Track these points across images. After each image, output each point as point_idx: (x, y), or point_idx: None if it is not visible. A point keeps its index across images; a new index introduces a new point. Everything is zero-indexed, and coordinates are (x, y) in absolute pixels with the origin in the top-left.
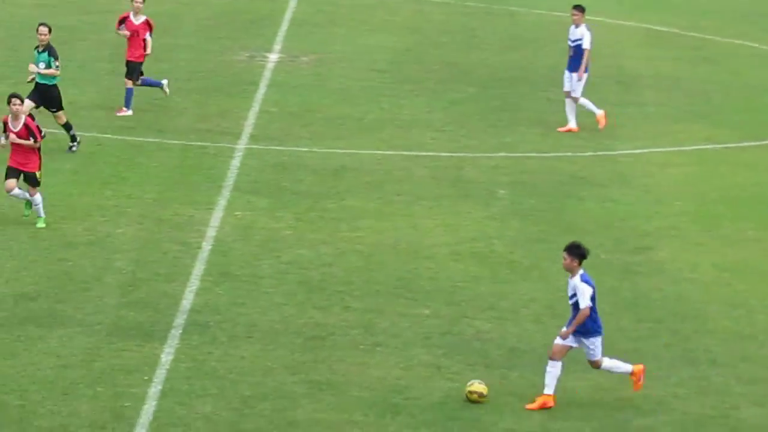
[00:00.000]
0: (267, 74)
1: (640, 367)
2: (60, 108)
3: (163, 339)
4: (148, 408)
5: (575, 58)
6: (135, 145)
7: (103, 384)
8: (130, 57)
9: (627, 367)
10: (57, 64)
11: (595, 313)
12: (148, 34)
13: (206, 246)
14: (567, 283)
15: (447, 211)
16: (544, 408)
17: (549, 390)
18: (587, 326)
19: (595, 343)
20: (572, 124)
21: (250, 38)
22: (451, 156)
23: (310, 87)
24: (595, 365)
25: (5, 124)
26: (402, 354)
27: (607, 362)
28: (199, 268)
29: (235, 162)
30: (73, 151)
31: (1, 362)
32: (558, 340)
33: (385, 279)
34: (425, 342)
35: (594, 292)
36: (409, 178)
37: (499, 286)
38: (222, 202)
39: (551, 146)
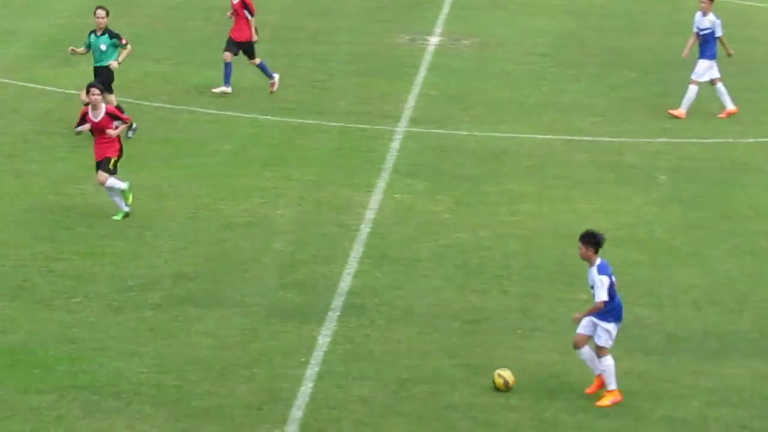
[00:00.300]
0: (427, 57)
1: (617, 395)
2: (110, 91)
3: (320, 321)
4: (305, 390)
5: (705, 45)
6: (295, 126)
7: (260, 365)
8: (238, 37)
9: (612, 383)
10: (124, 42)
11: (614, 300)
12: (246, 11)
13: (365, 228)
14: (587, 273)
15: (606, 196)
16: (615, 402)
17: (612, 386)
18: (606, 311)
19: (609, 330)
20: (730, 106)
21: (411, 21)
22: (611, 141)
23: (470, 70)
24: (600, 352)
25: (84, 115)
26: (559, 339)
27: (609, 360)
28: (357, 251)
29: (395, 145)
30: (129, 137)
31: (159, 342)
32: (578, 329)
33: (544, 263)
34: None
35: (612, 281)
36: (568, 162)
37: (658, 272)
38: (381, 184)
39: (712, 132)
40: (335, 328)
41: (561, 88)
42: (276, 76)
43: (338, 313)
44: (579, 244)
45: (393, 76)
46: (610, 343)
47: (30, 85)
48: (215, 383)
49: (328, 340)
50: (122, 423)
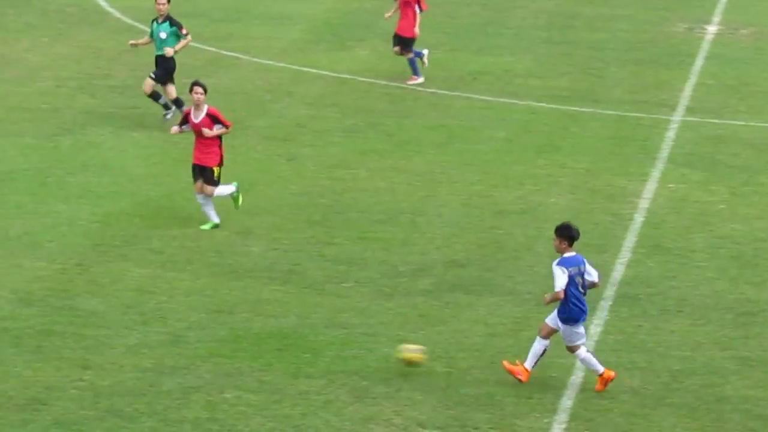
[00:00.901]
0: (705, 46)
1: (611, 374)
2: (171, 81)
3: (592, 310)
4: (575, 379)
5: None
6: (569, 114)
7: None
8: (400, 31)
9: (598, 368)
10: (184, 32)
11: (574, 299)
12: (417, 5)
13: (638, 218)
14: None
15: None
16: (514, 376)
17: (528, 364)
18: (561, 311)
19: (564, 330)
20: None
21: (689, 9)
22: None
23: (748, 60)
24: (571, 350)
25: (187, 115)
26: None
27: (583, 353)
28: (630, 240)
29: (670, 134)
30: (167, 119)
31: (430, 329)
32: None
33: None
34: None
35: (575, 277)
36: None
37: None
38: (655, 173)
39: None
40: (607, 317)
41: None
42: (421, 79)
43: (610, 303)
44: (554, 236)
45: (670, 64)
46: (574, 342)
47: (305, 69)
48: (485, 370)
49: (599, 329)
50: (391, 409)
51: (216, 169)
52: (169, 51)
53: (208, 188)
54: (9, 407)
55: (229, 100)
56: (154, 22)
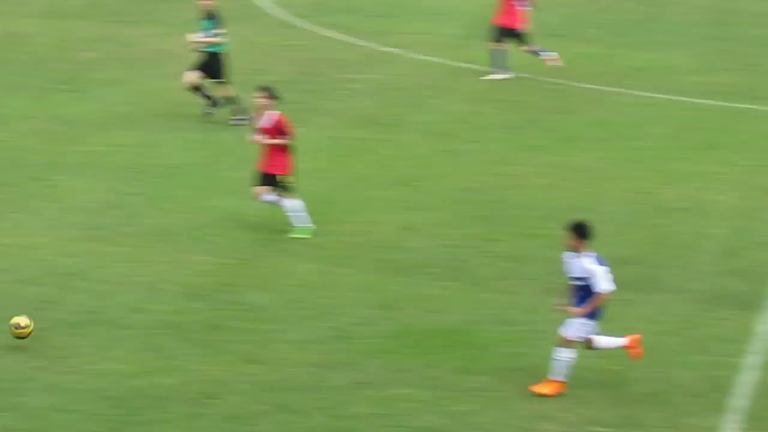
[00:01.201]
0: None
1: (561, 387)
2: (221, 79)
3: (761, 309)
4: (747, 378)
5: None
6: (732, 111)
7: (700, 352)
8: (499, 22)
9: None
10: (216, 32)
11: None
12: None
13: None
14: (568, 263)
15: None
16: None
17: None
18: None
19: (584, 323)
20: None
21: None
22: None
23: None
24: (564, 342)
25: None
26: None
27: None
28: None
29: None
30: (208, 114)
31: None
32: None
33: None
34: None
35: None
36: None
37: None
38: None
39: None
40: None
41: None
42: (547, 54)
43: None
44: (567, 233)
45: None
46: (581, 336)
47: (462, 64)
48: (656, 369)
49: None
50: (560, 406)
51: (281, 177)
52: (188, 36)
53: (260, 188)
54: (181, 401)
55: (386, 96)
56: (203, 19)
